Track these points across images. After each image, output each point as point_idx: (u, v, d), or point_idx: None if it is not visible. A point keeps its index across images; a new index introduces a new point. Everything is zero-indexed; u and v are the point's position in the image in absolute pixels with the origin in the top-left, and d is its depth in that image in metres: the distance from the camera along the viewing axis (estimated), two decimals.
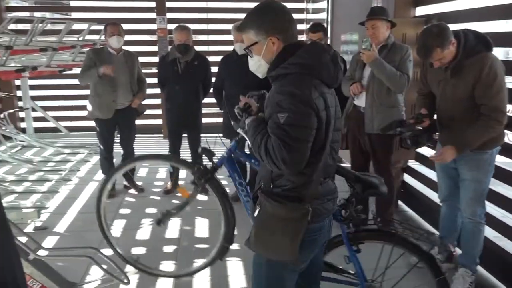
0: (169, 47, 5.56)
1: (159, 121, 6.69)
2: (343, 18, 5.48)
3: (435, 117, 2.70)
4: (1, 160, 5.07)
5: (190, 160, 2.48)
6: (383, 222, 3.34)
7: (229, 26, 6.50)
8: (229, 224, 2.43)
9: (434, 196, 3.40)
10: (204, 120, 4.43)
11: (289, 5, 6.35)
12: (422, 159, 3.74)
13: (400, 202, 4.03)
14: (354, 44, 4.81)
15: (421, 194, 3.79)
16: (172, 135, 4.26)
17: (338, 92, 3.59)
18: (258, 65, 1.63)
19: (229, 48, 6.61)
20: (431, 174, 3.46)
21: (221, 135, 3.06)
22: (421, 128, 2.70)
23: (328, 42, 4.74)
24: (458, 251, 2.88)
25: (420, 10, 3.88)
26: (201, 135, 4.19)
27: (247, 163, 2.62)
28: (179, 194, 4.21)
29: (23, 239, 2.30)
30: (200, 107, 4.23)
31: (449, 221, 2.82)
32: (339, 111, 1.66)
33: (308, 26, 6.79)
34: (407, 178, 4.05)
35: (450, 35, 2.34)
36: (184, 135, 4.27)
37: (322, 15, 6.27)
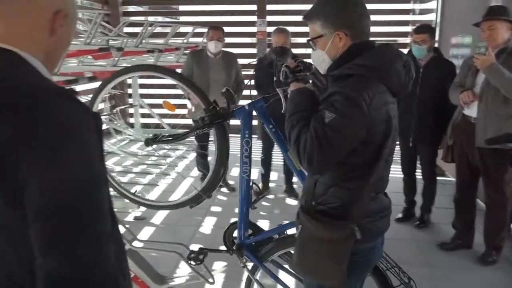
0: (267, 49, 5.61)
1: (254, 122, 6.77)
2: (454, 19, 5.03)
3: None
4: (111, 151, 5.54)
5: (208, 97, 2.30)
6: (490, 247, 3.01)
7: None
8: (215, 177, 2.24)
9: None
10: None
11: (392, 6, 6.03)
12: None
13: None
14: (466, 47, 4.38)
15: None
16: (265, 136, 4.27)
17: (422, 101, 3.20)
18: (321, 60, 1.47)
19: None
20: None
21: None
22: None
23: (436, 45, 4.37)
24: None
25: None
26: None
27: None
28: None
29: (121, 229, 2.46)
30: None
31: None
32: (396, 122, 1.46)
33: (413, 28, 6.41)
34: None
35: None
36: None
37: (430, 16, 5.83)
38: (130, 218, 3.73)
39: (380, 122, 1.34)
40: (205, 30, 5.06)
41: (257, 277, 2.25)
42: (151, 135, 2.34)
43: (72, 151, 0.79)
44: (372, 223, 1.45)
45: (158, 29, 6.07)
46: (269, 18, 6.55)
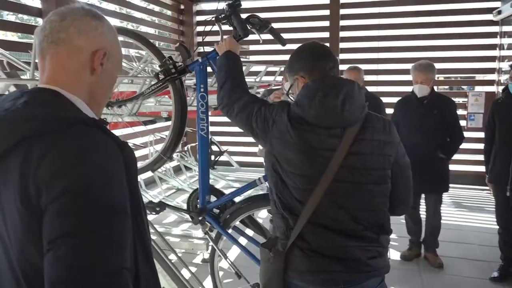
0: None
1: None
2: None
3: None
4: (180, 188, 5.58)
5: (165, 55, 2.19)
6: None
7: (400, 66, 6.20)
8: (174, 136, 2.13)
9: None
10: None
11: (478, 41, 5.57)
12: None
13: None
14: None
15: None
16: None
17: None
18: None
19: (403, 89, 6.15)
20: None
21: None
22: None
23: None
24: None
25: None
26: None
27: None
28: None
29: (186, 274, 2.34)
30: None
31: None
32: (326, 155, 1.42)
33: (500, 64, 5.94)
34: None
35: None
36: None
37: None
38: (197, 260, 3.62)
39: (285, 145, 1.43)
40: (276, 69, 5.05)
41: (220, 247, 2.27)
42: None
43: (89, 178, 0.78)
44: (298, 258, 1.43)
45: None
46: (342, 56, 6.44)
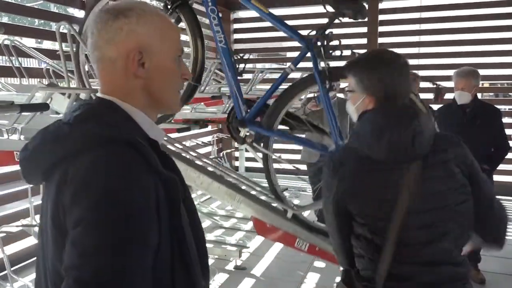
0: None
1: None
2: None
3: None
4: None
5: None
6: None
7: (441, 73, 5.97)
8: (197, 59, 2.12)
9: None
10: None
11: None
12: None
13: None
14: None
15: None
16: None
17: None
18: (351, 112, 1.54)
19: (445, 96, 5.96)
20: None
21: None
22: None
23: None
24: None
25: None
26: None
27: None
28: None
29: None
30: None
31: None
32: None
33: None
34: None
35: None
36: None
37: None
38: (230, 267, 3.63)
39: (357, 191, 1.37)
40: None
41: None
42: None
43: (106, 208, 0.74)
44: None
45: (267, 76, 6.19)
46: None
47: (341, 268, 1.53)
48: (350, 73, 1.49)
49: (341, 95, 4.04)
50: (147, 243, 0.77)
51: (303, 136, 3.07)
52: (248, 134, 2.28)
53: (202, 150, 5.51)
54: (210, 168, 2.58)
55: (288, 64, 2.32)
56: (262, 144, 2.27)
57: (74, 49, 2.42)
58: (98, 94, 0.91)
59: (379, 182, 1.35)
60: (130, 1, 0.91)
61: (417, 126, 1.32)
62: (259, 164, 6.45)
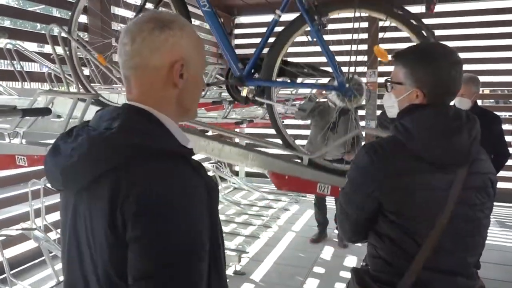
0: (378, 100, 5.37)
1: None
2: None
3: None
4: None
5: None
6: None
7: None
8: None
9: None
10: None
11: None
12: None
13: None
14: None
15: None
16: None
17: None
18: (391, 105, 1.45)
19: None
20: None
21: None
22: None
23: None
24: None
25: None
26: None
27: None
28: None
29: None
30: None
31: None
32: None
33: None
34: None
35: None
36: None
37: None
38: (229, 272, 3.62)
39: (391, 188, 1.28)
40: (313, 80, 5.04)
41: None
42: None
43: (171, 221, 0.78)
44: None
45: None
46: (380, 68, 6.32)
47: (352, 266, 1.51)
48: (400, 62, 1.37)
49: (324, 100, 4.10)
50: (206, 249, 0.84)
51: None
52: (248, 90, 2.23)
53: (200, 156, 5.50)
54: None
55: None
56: (265, 96, 2.23)
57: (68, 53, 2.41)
58: (132, 103, 0.93)
59: (427, 184, 1.28)
60: (170, 13, 0.97)
61: (478, 131, 1.30)
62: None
